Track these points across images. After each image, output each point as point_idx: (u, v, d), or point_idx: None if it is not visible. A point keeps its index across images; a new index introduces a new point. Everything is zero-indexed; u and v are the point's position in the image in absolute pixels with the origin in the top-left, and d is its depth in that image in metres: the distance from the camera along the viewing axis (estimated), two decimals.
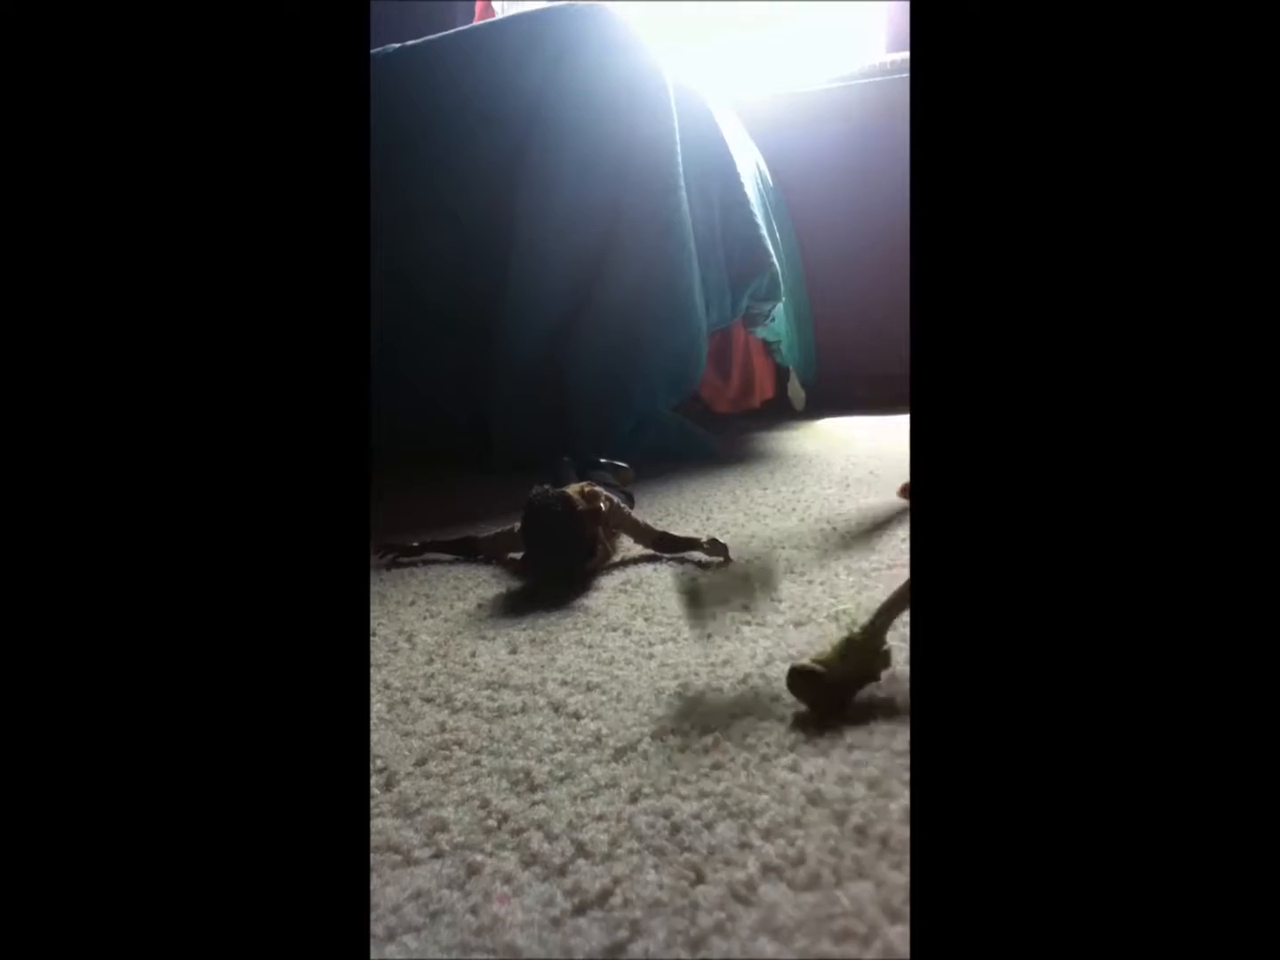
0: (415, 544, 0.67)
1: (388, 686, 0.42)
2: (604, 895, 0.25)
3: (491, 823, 0.29)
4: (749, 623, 0.48)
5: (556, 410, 1.13)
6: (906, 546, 0.47)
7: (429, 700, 0.40)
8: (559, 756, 0.34)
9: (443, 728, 0.37)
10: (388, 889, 0.26)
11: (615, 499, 0.65)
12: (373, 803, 0.31)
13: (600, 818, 0.29)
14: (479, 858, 0.27)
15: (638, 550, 0.65)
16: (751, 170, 1.43)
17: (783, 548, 0.64)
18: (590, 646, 0.46)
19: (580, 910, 0.25)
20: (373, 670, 0.44)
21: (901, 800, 0.29)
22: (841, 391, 1.75)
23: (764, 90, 1.89)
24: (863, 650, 0.37)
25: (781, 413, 1.63)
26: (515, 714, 0.38)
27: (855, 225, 1.77)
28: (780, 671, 0.41)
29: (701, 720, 0.36)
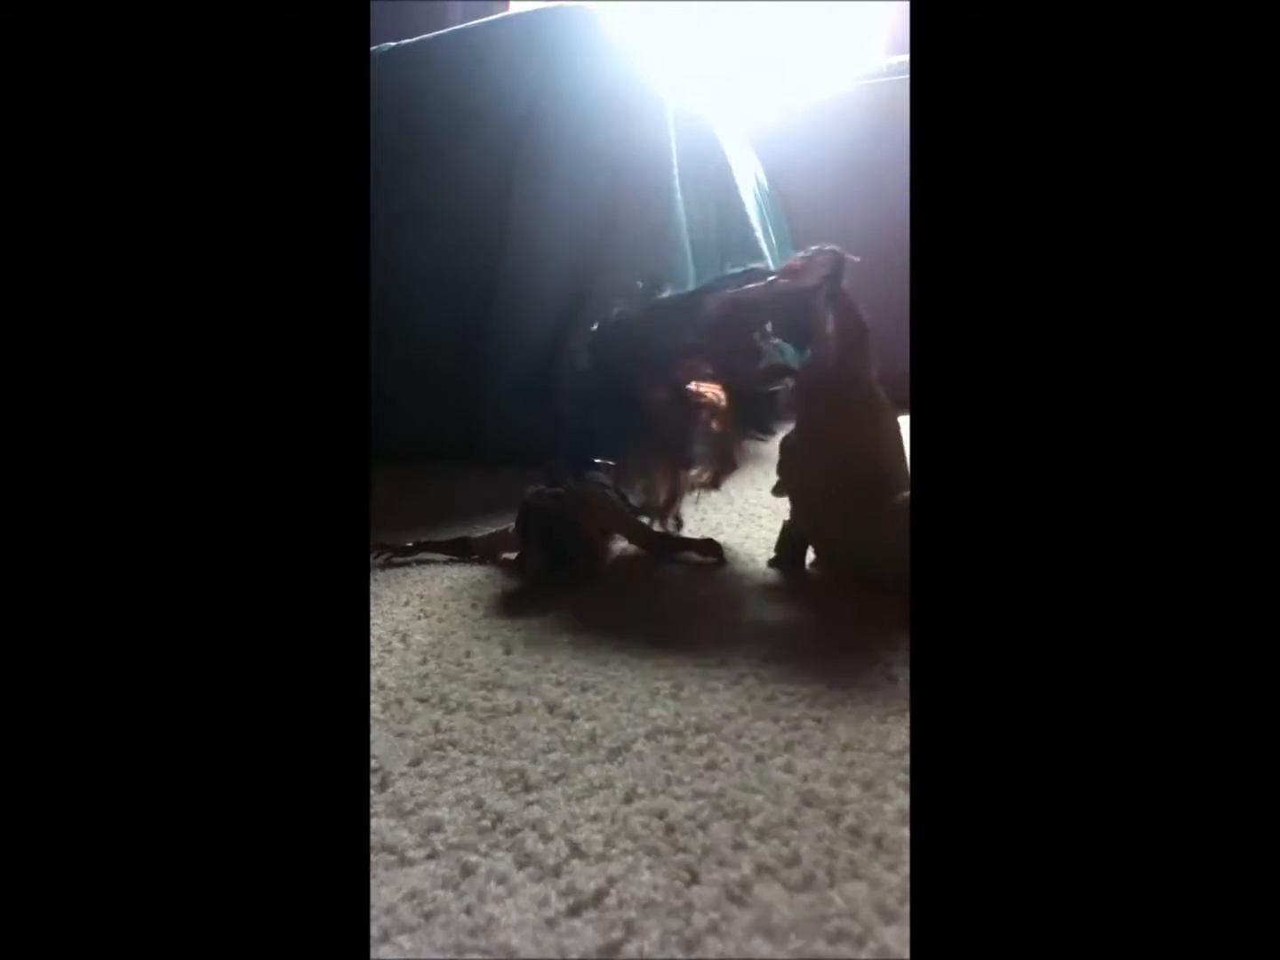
0: (410, 544, 0.67)
1: (382, 687, 0.42)
2: (599, 896, 0.25)
3: (486, 823, 0.29)
4: (743, 622, 0.48)
5: (551, 411, 1.13)
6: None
7: (423, 700, 0.40)
8: (553, 757, 0.34)
9: (437, 728, 0.37)
10: (382, 889, 0.26)
11: (610, 499, 0.64)
12: None
13: (595, 818, 0.29)
14: (473, 858, 0.27)
15: (632, 551, 0.65)
16: (748, 174, 1.44)
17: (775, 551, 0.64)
18: (584, 647, 0.46)
19: (575, 911, 0.25)
20: None
21: (896, 801, 0.29)
22: None
23: (763, 92, 1.90)
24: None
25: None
26: (510, 714, 0.38)
27: (854, 228, 1.78)
28: (776, 673, 0.41)
29: (696, 720, 0.36)
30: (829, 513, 0.54)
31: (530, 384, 1.15)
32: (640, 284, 0.65)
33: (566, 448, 0.66)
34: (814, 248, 0.55)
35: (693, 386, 0.63)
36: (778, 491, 0.60)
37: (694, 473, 0.68)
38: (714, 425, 0.65)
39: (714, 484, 0.68)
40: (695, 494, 0.70)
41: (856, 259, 0.54)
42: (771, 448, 0.62)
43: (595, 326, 0.64)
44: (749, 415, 0.63)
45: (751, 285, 0.58)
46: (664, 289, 0.64)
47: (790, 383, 0.59)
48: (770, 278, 0.57)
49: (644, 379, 0.61)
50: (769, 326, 0.58)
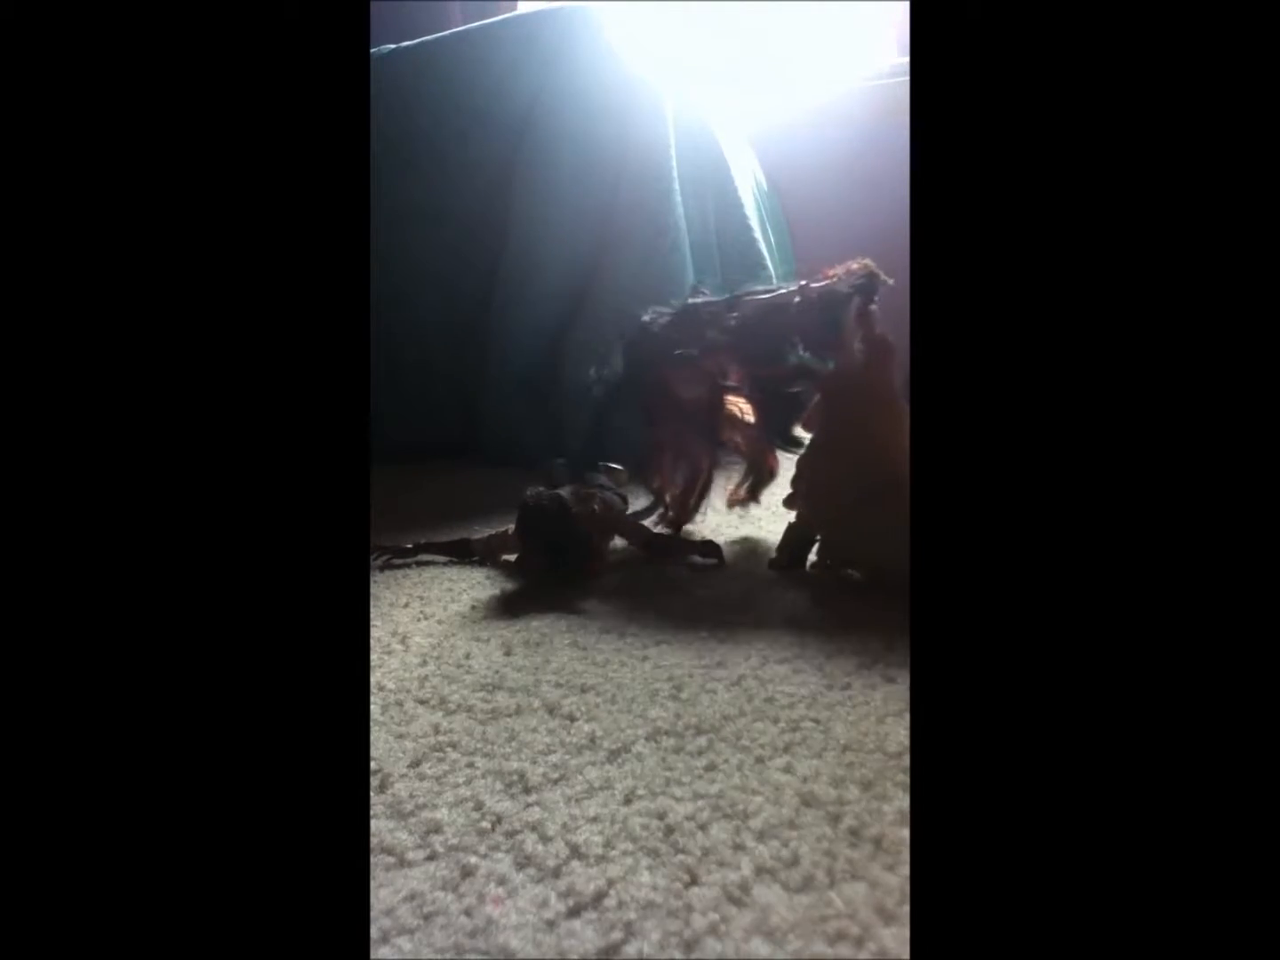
0: (409, 545, 0.67)
1: (381, 688, 0.42)
2: (598, 897, 0.25)
3: (486, 824, 0.29)
4: (743, 624, 0.48)
5: (551, 411, 1.13)
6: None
7: (423, 702, 0.40)
8: (553, 758, 0.34)
9: (437, 729, 0.37)
10: (382, 891, 0.26)
11: (609, 501, 0.65)
12: None
13: (594, 819, 0.29)
14: (473, 859, 0.27)
15: (632, 552, 0.65)
16: (747, 174, 1.44)
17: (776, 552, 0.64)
18: (584, 648, 0.46)
19: (575, 912, 0.25)
20: None
21: (895, 802, 0.29)
22: None
23: (765, 93, 1.90)
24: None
25: None
26: (509, 716, 0.38)
27: (856, 230, 1.78)
28: (775, 674, 0.41)
29: (695, 722, 0.36)
30: (846, 507, 0.54)
31: (530, 384, 1.15)
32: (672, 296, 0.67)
33: (578, 448, 0.67)
34: (852, 262, 0.56)
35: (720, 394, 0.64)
36: (789, 503, 0.61)
37: (730, 487, 0.69)
38: (740, 440, 0.66)
39: (753, 495, 0.69)
40: (736, 508, 0.71)
41: (890, 280, 0.54)
42: (790, 458, 0.63)
43: (641, 324, 0.66)
44: (776, 424, 0.63)
45: (783, 291, 0.59)
46: (700, 295, 0.65)
47: (813, 387, 0.60)
48: (801, 283, 0.58)
49: (673, 375, 0.62)
50: (796, 339, 0.59)
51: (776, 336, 0.58)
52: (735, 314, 0.60)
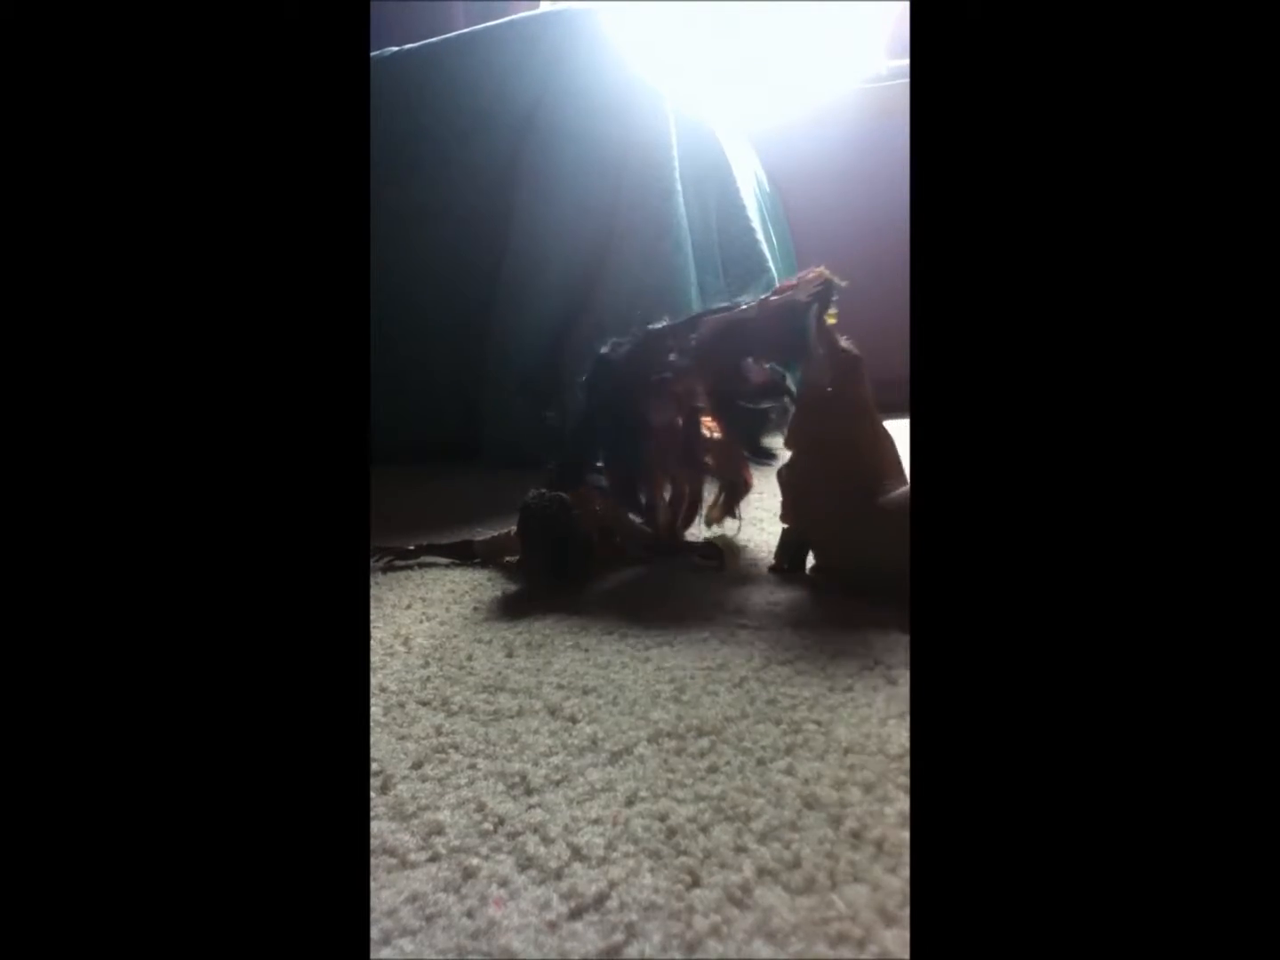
0: (411, 547, 0.67)
1: (384, 690, 0.42)
2: (600, 898, 0.25)
3: (488, 826, 0.29)
4: (745, 626, 0.48)
5: (552, 412, 1.13)
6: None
7: (425, 703, 0.40)
8: (555, 760, 0.34)
9: (439, 731, 0.37)
10: (384, 892, 0.26)
11: (611, 502, 0.65)
12: None
13: (596, 821, 0.29)
14: (475, 861, 0.27)
15: (633, 554, 0.65)
16: (749, 174, 1.44)
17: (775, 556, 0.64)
18: (586, 650, 0.46)
19: (576, 914, 0.25)
20: None
21: (897, 804, 0.29)
22: None
23: (765, 95, 1.90)
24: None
25: None
26: (512, 717, 0.38)
27: (856, 231, 1.78)
28: (777, 676, 0.41)
29: (697, 724, 0.36)
30: (832, 519, 0.55)
31: (532, 385, 1.15)
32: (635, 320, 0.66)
33: (568, 463, 0.67)
34: (808, 271, 0.56)
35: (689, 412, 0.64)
36: (784, 518, 0.61)
37: (704, 506, 0.69)
38: (709, 459, 0.65)
39: (729, 510, 0.67)
40: (713, 526, 0.69)
41: (844, 283, 0.55)
42: (771, 448, 0.63)
43: (599, 356, 0.65)
44: (744, 437, 0.63)
45: (743, 306, 0.59)
46: (659, 320, 0.64)
47: (787, 401, 0.60)
48: (761, 297, 0.58)
49: (644, 403, 0.62)
50: (760, 353, 0.59)
51: (739, 352, 0.59)
52: (695, 335, 0.60)
